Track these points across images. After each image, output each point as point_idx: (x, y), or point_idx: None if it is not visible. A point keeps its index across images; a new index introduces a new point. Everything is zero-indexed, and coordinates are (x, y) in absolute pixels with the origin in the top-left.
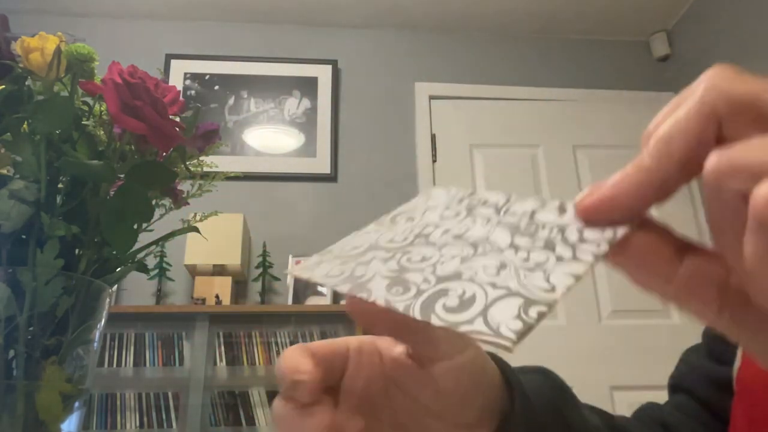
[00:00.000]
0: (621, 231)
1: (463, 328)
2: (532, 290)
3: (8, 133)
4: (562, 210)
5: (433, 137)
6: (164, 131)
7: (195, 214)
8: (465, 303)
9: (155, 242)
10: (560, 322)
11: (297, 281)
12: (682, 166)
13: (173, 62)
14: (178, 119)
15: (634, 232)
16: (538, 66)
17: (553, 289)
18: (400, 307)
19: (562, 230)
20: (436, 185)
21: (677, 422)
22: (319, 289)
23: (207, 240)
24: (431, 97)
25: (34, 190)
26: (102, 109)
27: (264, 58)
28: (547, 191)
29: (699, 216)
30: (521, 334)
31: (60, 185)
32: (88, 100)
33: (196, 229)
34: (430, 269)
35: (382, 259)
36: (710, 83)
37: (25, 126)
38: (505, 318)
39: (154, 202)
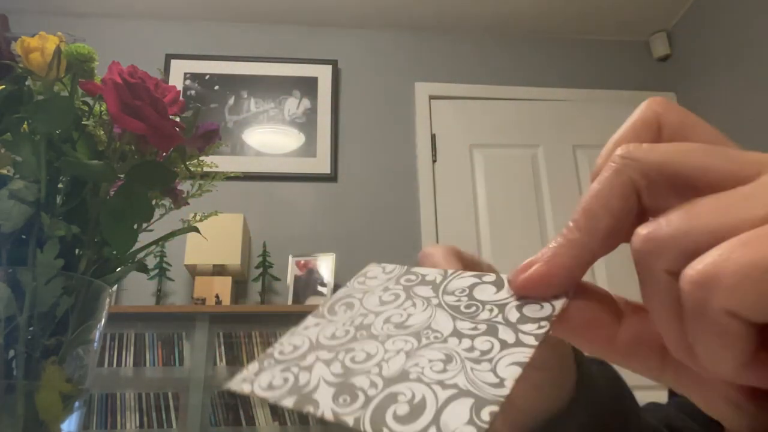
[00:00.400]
0: (559, 304)
1: None
2: (481, 387)
3: (8, 133)
4: (499, 285)
5: (433, 137)
6: (164, 131)
7: (195, 214)
8: (416, 409)
9: (155, 242)
10: None
11: (297, 281)
12: (609, 237)
13: (173, 62)
14: (178, 119)
15: (571, 303)
16: (538, 66)
17: (501, 383)
18: (349, 420)
19: (501, 309)
20: (376, 263)
21: (681, 423)
22: (319, 288)
23: (207, 240)
24: (431, 97)
25: (34, 190)
26: (102, 109)
27: (264, 58)
28: (547, 191)
29: None
30: None
31: (60, 185)
32: (88, 100)
33: (196, 229)
34: (376, 370)
35: (325, 360)
36: (625, 152)
37: (25, 126)
38: (459, 425)
39: (154, 202)
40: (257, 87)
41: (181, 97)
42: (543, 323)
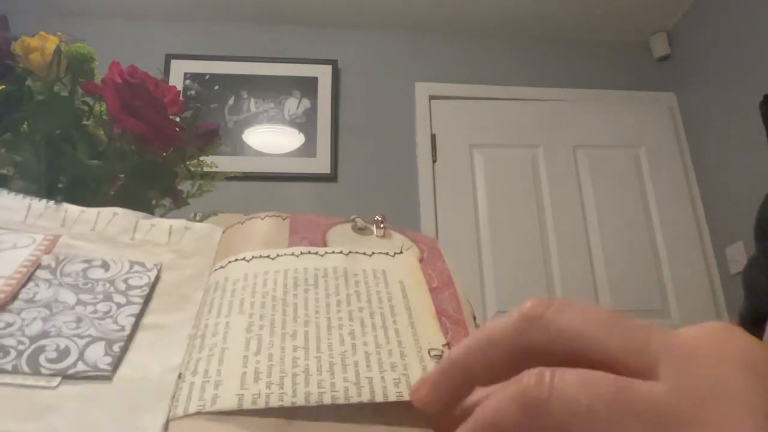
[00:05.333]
0: (154, 273)
1: (71, 371)
2: (109, 333)
3: (8, 133)
4: (105, 266)
5: (433, 137)
6: (164, 131)
7: (195, 214)
8: (62, 354)
9: None
10: None
11: None
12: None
13: (173, 62)
14: (178, 119)
15: None
16: (538, 66)
17: (123, 328)
18: (8, 367)
19: (112, 282)
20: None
21: None
22: None
23: None
24: (431, 97)
25: (34, 190)
26: (102, 109)
27: (264, 58)
28: (547, 191)
29: (698, 214)
30: (114, 365)
31: (60, 185)
32: (88, 100)
33: None
34: (19, 333)
35: None
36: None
37: (25, 126)
38: (99, 357)
39: (154, 202)
40: (257, 87)
41: (181, 97)
42: (144, 288)
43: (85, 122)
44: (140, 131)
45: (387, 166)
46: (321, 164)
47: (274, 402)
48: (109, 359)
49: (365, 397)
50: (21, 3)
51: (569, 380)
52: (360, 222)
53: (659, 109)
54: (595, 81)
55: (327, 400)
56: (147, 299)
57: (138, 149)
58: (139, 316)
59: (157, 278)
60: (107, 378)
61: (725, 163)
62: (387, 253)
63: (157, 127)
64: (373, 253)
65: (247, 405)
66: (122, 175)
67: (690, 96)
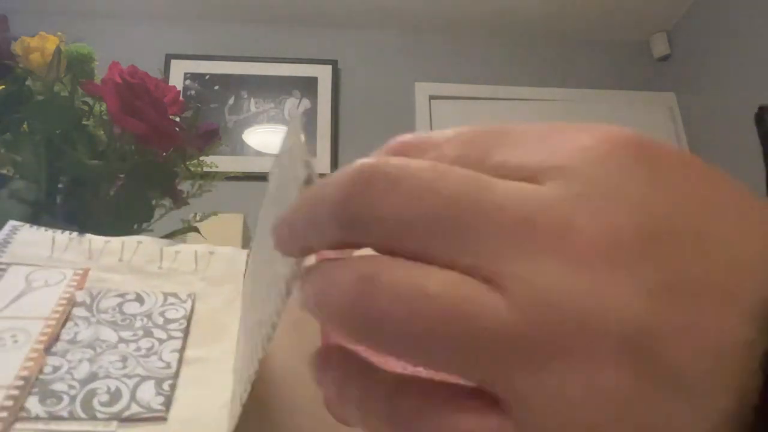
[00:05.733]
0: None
1: (126, 414)
2: (155, 371)
3: (8, 133)
4: (140, 299)
5: None
6: (164, 131)
7: (195, 214)
8: (114, 395)
9: None
10: None
11: None
12: None
13: (173, 62)
14: (178, 119)
15: None
16: (538, 66)
17: (169, 365)
18: (64, 414)
19: (149, 316)
20: None
21: None
22: None
23: (207, 240)
24: (431, 97)
25: (34, 190)
26: (102, 109)
27: (264, 58)
28: None
29: None
30: (166, 405)
31: (60, 185)
32: (88, 100)
33: (196, 229)
34: (68, 376)
35: None
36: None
37: (25, 126)
38: (151, 397)
39: (154, 202)
40: (257, 87)
41: (181, 97)
42: (182, 321)
43: (85, 122)
44: (140, 131)
45: None
46: (321, 164)
47: None
48: (161, 399)
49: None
50: (21, 3)
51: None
52: None
53: (659, 109)
54: (595, 81)
55: None
56: (186, 332)
57: (138, 149)
58: (181, 351)
59: (192, 309)
60: (162, 419)
61: (725, 163)
62: None
63: (157, 127)
64: None
65: None
66: (122, 175)
67: (690, 96)
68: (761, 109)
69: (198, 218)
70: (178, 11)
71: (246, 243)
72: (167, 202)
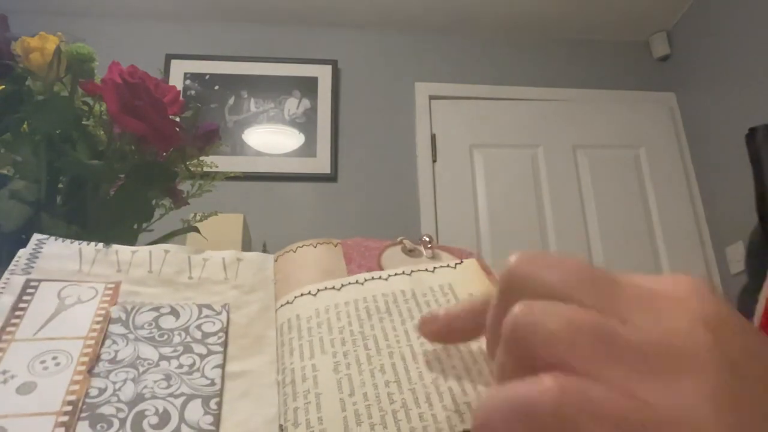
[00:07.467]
0: (225, 316)
1: None
2: (200, 389)
3: (8, 133)
4: (175, 313)
5: (433, 137)
6: (164, 131)
7: (195, 214)
8: (163, 417)
9: (155, 242)
10: None
11: None
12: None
13: (173, 62)
14: (178, 119)
15: None
16: (538, 66)
17: (213, 382)
18: None
19: (186, 331)
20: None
21: None
22: None
23: (207, 240)
24: (431, 97)
25: (34, 190)
26: (102, 109)
27: (264, 58)
28: (547, 191)
29: (698, 214)
30: (216, 424)
31: (60, 185)
32: (88, 100)
33: (196, 229)
34: (114, 399)
35: None
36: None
37: (25, 126)
38: (199, 416)
39: (154, 202)
40: (257, 87)
41: (181, 97)
42: (220, 335)
43: (85, 122)
44: (140, 131)
45: (387, 166)
46: (321, 164)
47: None
48: (210, 418)
49: (469, 424)
50: (21, 3)
51: (551, 312)
52: (408, 243)
53: (659, 109)
54: (595, 81)
55: None
56: (224, 345)
57: (138, 149)
58: (223, 366)
59: (228, 321)
60: None
61: (725, 163)
62: (448, 265)
63: (157, 127)
64: (435, 268)
65: None
66: (122, 175)
67: (690, 96)
68: (752, 130)
69: (198, 218)
70: (178, 11)
71: (246, 243)
72: (167, 202)
